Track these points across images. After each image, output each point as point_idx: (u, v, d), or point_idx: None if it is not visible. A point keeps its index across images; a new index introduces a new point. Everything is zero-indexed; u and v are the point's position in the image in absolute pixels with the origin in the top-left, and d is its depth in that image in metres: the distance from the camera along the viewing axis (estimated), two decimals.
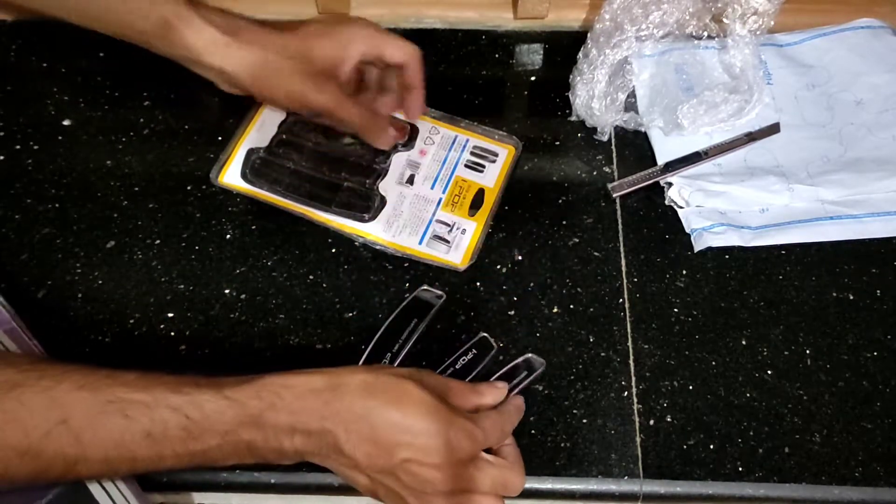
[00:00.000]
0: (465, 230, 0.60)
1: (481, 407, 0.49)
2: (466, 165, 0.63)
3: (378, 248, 0.59)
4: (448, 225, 0.60)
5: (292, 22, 0.59)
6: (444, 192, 0.62)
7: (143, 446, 0.42)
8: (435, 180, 0.63)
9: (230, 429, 0.43)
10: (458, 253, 0.59)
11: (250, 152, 0.63)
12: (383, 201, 0.61)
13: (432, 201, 0.62)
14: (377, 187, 0.62)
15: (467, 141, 0.65)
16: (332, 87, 0.58)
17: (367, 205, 0.61)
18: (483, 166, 0.63)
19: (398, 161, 0.63)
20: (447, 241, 0.60)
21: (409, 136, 0.65)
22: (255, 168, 0.62)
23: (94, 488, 0.45)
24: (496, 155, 0.64)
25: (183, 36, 0.56)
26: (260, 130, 0.64)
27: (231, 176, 0.62)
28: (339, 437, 0.44)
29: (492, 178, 0.63)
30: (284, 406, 0.44)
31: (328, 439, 0.44)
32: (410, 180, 0.62)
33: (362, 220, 0.60)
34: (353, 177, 0.62)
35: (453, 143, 0.65)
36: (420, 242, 0.60)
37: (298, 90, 0.57)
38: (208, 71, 0.59)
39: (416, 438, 0.44)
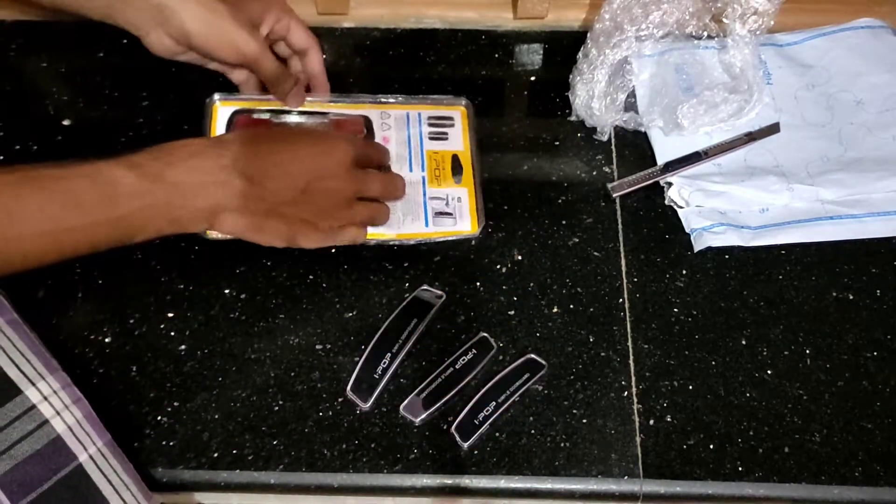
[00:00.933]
0: (459, 198, 0.61)
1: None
2: (430, 137, 0.64)
3: (392, 244, 0.59)
4: (442, 198, 0.61)
5: None
6: (423, 171, 0.62)
7: (69, 216, 0.46)
8: (409, 162, 0.63)
9: (143, 189, 0.47)
10: (465, 221, 0.60)
11: None
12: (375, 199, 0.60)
13: (417, 182, 0.62)
14: None
15: (420, 114, 0.65)
16: (260, 36, 0.59)
17: None
18: (445, 133, 0.64)
19: None
20: (450, 214, 0.60)
21: (367, 129, 0.64)
22: None
23: (95, 475, 0.45)
24: (452, 119, 0.65)
25: None
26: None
27: None
28: (237, 185, 0.50)
29: (458, 141, 0.64)
30: (182, 163, 0.49)
31: (234, 188, 0.49)
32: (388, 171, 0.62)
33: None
34: None
35: (408, 120, 0.65)
36: (426, 225, 0.60)
37: (236, 34, 0.58)
38: (146, 18, 0.58)
39: (305, 163, 0.52)
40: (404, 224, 0.60)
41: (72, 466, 0.44)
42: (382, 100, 0.66)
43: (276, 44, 0.63)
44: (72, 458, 0.44)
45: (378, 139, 0.64)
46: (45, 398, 0.45)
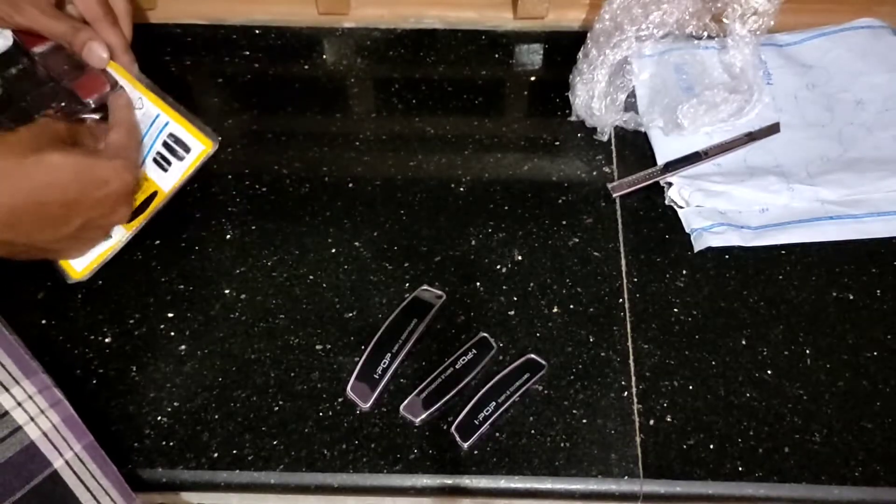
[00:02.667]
0: (110, 236, 0.56)
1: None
2: (155, 158, 0.57)
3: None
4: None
5: None
6: None
7: None
8: None
9: None
10: (84, 260, 0.55)
11: None
12: None
13: None
14: None
15: (167, 124, 0.57)
16: (29, 7, 0.56)
17: None
18: (169, 163, 0.56)
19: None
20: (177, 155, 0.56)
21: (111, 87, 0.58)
22: None
23: (72, 481, 0.44)
24: (188, 150, 0.56)
25: None
26: None
27: None
28: None
29: (171, 180, 0.56)
30: None
31: None
32: None
33: None
34: None
35: (152, 123, 0.57)
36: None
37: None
38: None
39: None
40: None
41: (46, 473, 0.44)
42: (151, 86, 0.58)
43: None
44: (46, 465, 0.44)
45: None
46: (19, 404, 0.44)
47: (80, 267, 0.55)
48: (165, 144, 0.56)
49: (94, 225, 0.52)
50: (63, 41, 0.58)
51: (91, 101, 0.57)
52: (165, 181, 0.56)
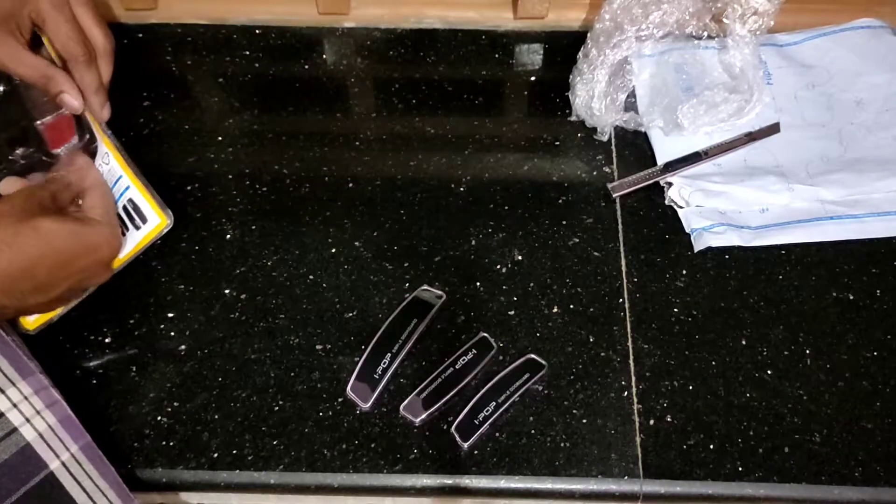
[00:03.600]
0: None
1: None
2: (120, 215, 0.55)
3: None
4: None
5: None
6: None
7: None
8: None
9: None
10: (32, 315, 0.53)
11: None
12: None
13: None
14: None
15: (127, 188, 0.54)
16: (7, 41, 0.53)
17: None
18: (126, 229, 0.54)
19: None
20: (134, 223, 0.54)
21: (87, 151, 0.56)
22: None
23: (68, 483, 0.44)
24: (144, 221, 0.54)
25: None
26: None
27: None
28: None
29: (126, 248, 0.54)
30: None
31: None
32: None
33: None
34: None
35: (115, 183, 0.55)
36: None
37: None
38: None
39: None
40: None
41: (42, 475, 0.43)
42: (119, 147, 0.55)
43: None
44: (42, 467, 0.44)
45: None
46: (15, 405, 0.44)
47: (32, 320, 0.53)
48: (125, 209, 0.54)
49: (78, 287, 0.52)
50: (36, 86, 0.56)
51: (59, 153, 0.56)
52: (128, 241, 0.54)
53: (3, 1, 0.53)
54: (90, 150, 0.56)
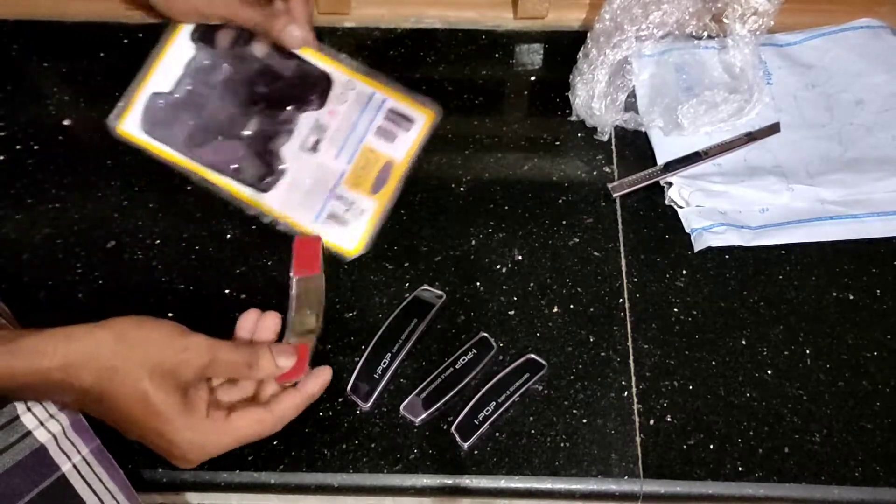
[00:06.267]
0: (363, 210, 0.57)
1: (260, 378, 0.49)
2: (377, 132, 0.58)
3: (267, 221, 0.56)
4: (346, 202, 0.57)
5: None
6: (349, 164, 0.58)
7: None
8: (341, 148, 0.58)
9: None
10: (352, 238, 0.56)
11: (153, 97, 0.57)
12: (283, 171, 0.57)
13: (335, 173, 0.57)
14: (279, 152, 0.58)
15: (384, 101, 0.59)
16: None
17: (266, 172, 0.56)
18: (395, 135, 0.58)
19: (305, 123, 0.59)
20: (343, 222, 0.56)
21: (322, 90, 0.59)
22: (156, 117, 0.57)
23: (79, 485, 0.45)
24: (412, 122, 0.58)
25: None
26: (165, 71, 0.58)
27: (130, 125, 0.57)
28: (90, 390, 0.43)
29: (402, 149, 0.58)
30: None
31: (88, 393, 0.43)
32: (315, 147, 0.58)
33: (260, 188, 0.57)
34: (255, 139, 0.58)
35: (368, 101, 0.59)
36: (315, 219, 0.57)
37: (193, 4, 0.57)
38: None
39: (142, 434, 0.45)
40: (296, 209, 0.56)
41: (54, 477, 0.44)
42: (355, 66, 0.60)
43: None
44: (55, 469, 0.44)
45: (325, 111, 0.59)
46: (29, 409, 0.44)
47: (352, 246, 0.56)
48: (388, 118, 0.58)
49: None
50: (259, 29, 0.58)
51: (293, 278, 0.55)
52: (397, 151, 0.58)
53: None
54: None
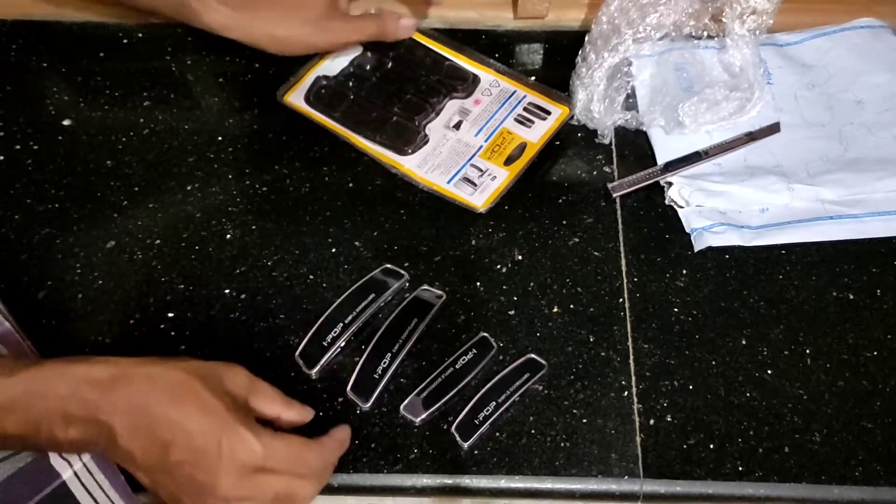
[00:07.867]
0: (495, 177, 0.62)
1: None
2: (516, 119, 0.65)
3: (408, 179, 0.62)
4: (481, 170, 0.62)
5: None
6: (486, 140, 0.64)
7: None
8: (481, 129, 0.65)
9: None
10: (482, 196, 0.61)
11: (318, 79, 0.67)
12: (426, 139, 0.64)
13: (473, 146, 0.64)
14: (424, 126, 0.65)
15: (524, 97, 0.66)
16: (334, 23, 0.64)
17: (410, 139, 0.63)
18: (532, 122, 0.65)
19: (451, 106, 0.66)
20: (475, 185, 0.62)
21: (471, 83, 0.67)
22: (318, 94, 0.66)
23: (79, 492, 0.45)
24: (548, 113, 0.65)
25: (199, 15, 0.62)
26: (333, 61, 0.69)
27: (296, 97, 0.67)
28: (115, 429, 0.42)
29: (537, 134, 0.64)
30: (56, 394, 0.41)
31: (104, 432, 0.42)
32: (457, 126, 0.65)
33: (402, 152, 0.63)
34: (404, 113, 0.65)
35: (509, 97, 0.66)
36: (449, 181, 0.62)
37: (308, 42, 0.64)
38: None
39: (190, 439, 0.42)
40: (433, 172, 0.62)
41: (55, 484, 0.44)
42: (500, 68, 0.68)
43: None
44: (55, 476, 0.44)
45: (471, 99, 0.67)
46: None
47: (480, 202, 0.61)
48: (526, 109, 0.66)
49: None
50: (374, 37, 0.66)
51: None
52: (532, 134, 0.64)
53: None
54: None
